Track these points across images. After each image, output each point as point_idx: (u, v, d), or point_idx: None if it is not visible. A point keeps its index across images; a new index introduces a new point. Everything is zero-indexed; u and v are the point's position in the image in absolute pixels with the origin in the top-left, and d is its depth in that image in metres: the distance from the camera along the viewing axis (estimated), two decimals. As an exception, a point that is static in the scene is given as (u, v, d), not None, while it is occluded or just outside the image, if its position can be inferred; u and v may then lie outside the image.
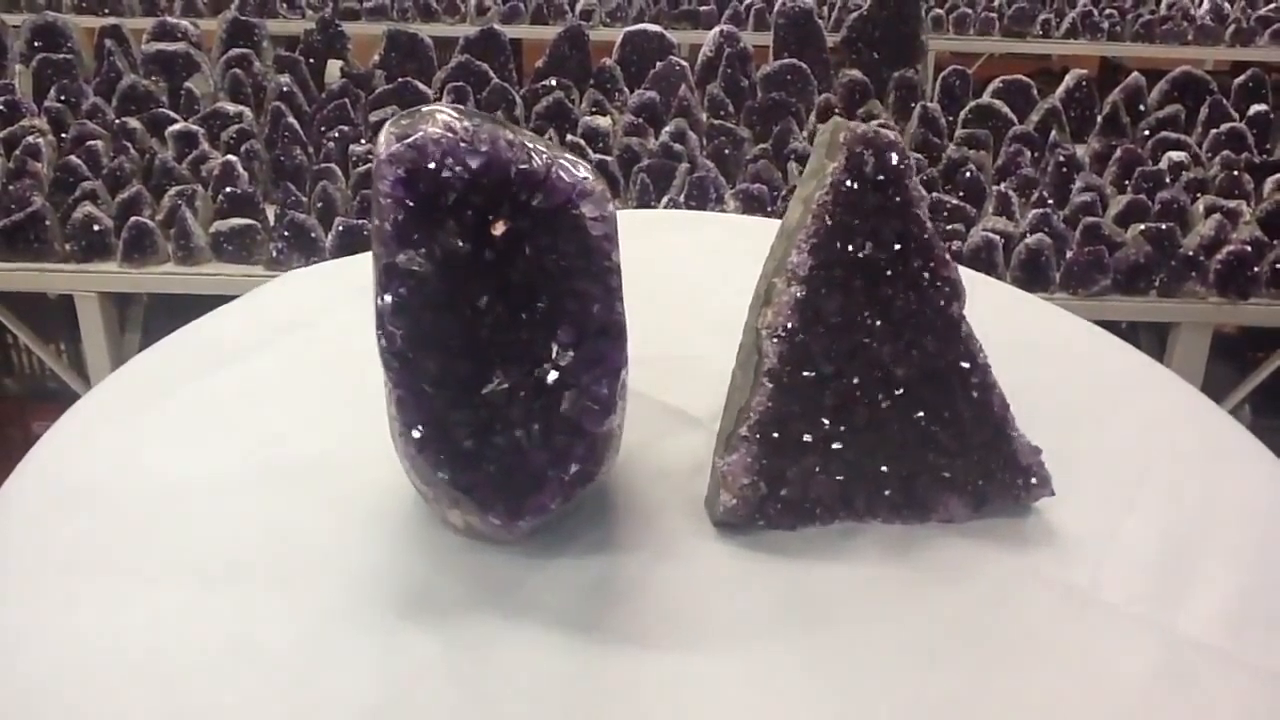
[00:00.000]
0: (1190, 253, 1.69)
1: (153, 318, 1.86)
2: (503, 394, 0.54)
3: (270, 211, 1.76)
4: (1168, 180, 1.87)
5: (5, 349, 2.27)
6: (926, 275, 0.59)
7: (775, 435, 0.59)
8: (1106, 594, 0.58)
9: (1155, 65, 2.52)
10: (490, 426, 0.55)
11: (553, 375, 0.54)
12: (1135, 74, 2.14)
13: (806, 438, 0.60)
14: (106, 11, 2.67)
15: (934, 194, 1.79)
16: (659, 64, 2.15)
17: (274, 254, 1.67)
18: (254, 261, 1.69)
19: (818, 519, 0.61)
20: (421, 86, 2.03)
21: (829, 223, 0.58)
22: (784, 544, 0.60)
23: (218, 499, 0.62)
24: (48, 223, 1.66)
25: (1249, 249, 1.69)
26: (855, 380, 0.60)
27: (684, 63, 2.16)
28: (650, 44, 2.22)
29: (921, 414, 0.61)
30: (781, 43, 2.25)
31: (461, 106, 0.53)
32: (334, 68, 2.16)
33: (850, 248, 0.58)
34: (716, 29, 2.26)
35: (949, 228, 1.71)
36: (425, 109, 0.53)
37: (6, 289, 1.75)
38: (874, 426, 0.60)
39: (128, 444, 0.67)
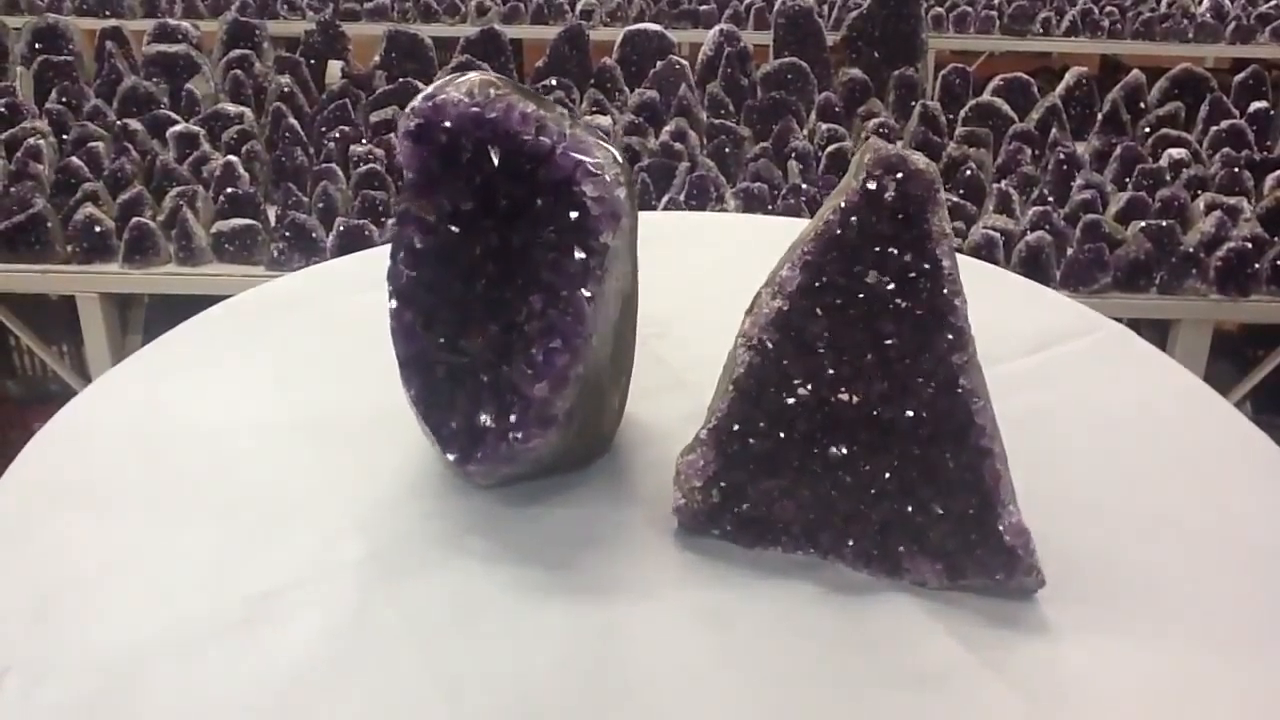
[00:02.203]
0: (1190, 250, 1.69)
1: (154, 319, 1.86)
2: (479, 346, 0.58)
3: (271, 212, 1.76)
4: (1168, 178, 1.87)
5: (7, 351, 2.27)
6: (932, 318, 0.54)
7: (735, 446, 0.57)
8: (1059, 714, 0.50)
9: (1155, 63, 2.51)
10: (464, 374, 0.59)
11: (515, 338, 0.57)
12: (1135, 71, 2.14)
13: (772, 458, 0.56)
14: (107, 13, 2.67)
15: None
16: (659, 63, 2.15)
17: (275, 254, 1.68)
18: (255, 262, 1.69)
19: (780, 545, 0.58)
20: (422, 87, 2.03)
21: (832, 244, 0.54)
22: (737, 558, 0.58)
23: (231, 440, 0.67)
24: (49, 224, 1.66)
25: (1249, 246, 1.69)
26: (835, 412, 0.56)
27: (684, 62, 2.17)
28: (650, 43, 2.22)
29: (904, 464, 0.56)
30: (781, 41, 2.25)
31: (501, 76, 0.56)
32: (334, 68, 2.16)
33: (851, 273, 0.54)
34: (716, 28, 2.26)
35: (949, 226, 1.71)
36: (465, 74, 0.56)
37: (8, 291, 1.75)
38: (849, 464, 0.56)
39: (163, 395, 0.72)
